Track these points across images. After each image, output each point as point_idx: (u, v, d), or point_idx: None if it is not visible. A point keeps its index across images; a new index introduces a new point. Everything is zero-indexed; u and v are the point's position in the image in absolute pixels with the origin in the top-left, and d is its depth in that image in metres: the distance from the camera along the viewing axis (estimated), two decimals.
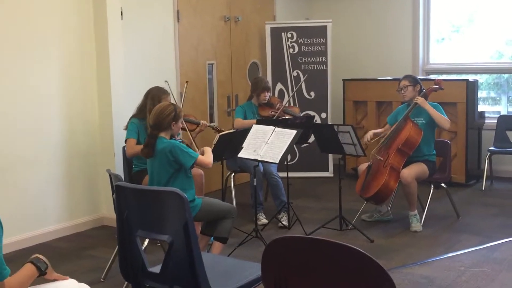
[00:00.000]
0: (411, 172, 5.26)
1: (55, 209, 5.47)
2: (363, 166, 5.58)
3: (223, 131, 5.32)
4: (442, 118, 5.33)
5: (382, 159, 5.34)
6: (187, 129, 5.11)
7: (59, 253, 5.02)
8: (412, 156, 5.35)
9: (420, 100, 5.33)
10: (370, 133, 5.61)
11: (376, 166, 5.37)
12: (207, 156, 4.18)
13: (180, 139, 4.84)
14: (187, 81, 5.95)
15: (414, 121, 5.37)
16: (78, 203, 5.65)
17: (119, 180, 3.95)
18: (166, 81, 5.58)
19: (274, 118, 5.86)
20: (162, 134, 4.07)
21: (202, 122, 5.47)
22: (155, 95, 4.99)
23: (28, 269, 2.48)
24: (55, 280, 2.65)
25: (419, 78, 5.93)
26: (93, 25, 5.64)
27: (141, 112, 5.02)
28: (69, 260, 4.83)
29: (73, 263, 4.76)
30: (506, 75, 7.74)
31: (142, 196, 3.02)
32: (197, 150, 4.65)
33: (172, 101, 5.13)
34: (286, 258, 2.13)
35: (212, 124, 5.79)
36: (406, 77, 5.58)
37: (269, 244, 2.14)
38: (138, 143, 4.93)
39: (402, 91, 5.50)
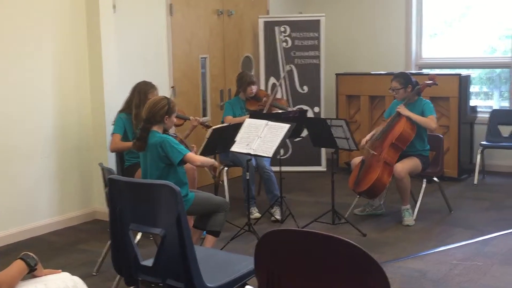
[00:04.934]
0: (404, 166, 5.27)
1: (48, 203, 5.45)
2: (356, 160, 5.58)
3: (210, 126, 5.34)
4: (425, 121, 5.31)
5: (376, 153, 5.34)
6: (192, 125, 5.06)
7: (51, 247, 5.01)
8: (406, 151, 5.36)
9: (400, 109, 5.34)
10: (367, 137, 5.54)
11: (369, 161, 5.37)
12: (200, 156, 4.17)
13: (174, 134, 4.83)
14: (172, 87, 5.89)
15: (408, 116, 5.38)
16: (70, 197, 5.64)
17: (112, 174, 3.94)
18: (172, 87, 5.38)
19: (263, 112, 5.87)
20: (155, 128, 4.05)
21: (194, 118, 5.39)
22: (141, 89, 4.99)
23: (18, 265, 2.47)
24: (47, 275, 2.63)
25: (412, 73, 5.95)
26: (86, 18, 5.61)
27: (129, 107, 5.02)
28: (61, 254, 4.83)
29: (66, 257, 4.75)
30: (498, 70, 7.75)
31: (134, 189, 3.02)
32: (192, 144, 4.64)
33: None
34: (279, 251, 2.13)
35: (203, 120, 5.72)
36: (398, 78, 5.53)
37: (262, 237, 2.14)
38: (125, 138, 4.95)
39: (394, 93, 5.50)
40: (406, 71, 6.48)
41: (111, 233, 3.07)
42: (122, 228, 2.98)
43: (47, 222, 5.43)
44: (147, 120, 4.05)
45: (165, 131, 4.15)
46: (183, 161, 4.02)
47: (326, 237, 2.00)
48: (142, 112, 4.25)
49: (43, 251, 4.79)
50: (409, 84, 5.46)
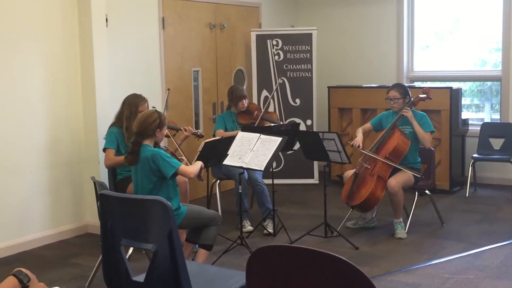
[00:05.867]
0: (398, 181, 5.27)
1: (39, 217, 5.43)
2: (348, 173, 5.58)
3: (203, 136, 5.35)
4: (425, 136, 5.36)
5: (369, 167, 5.35)
6: (170, 136, 5.09)
7: (43, 261, 4.98)
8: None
9: (409, 114, 5.36)
10: (359, 140, 5.50)
11: (363, 174, 5.38)
12: (192, 167, 4.17)
13: (165, 146, 4.83)
14: (168, 89, 5.91)
15: (401, 130, 5.40)
16: (62, 210, 5.61)
17: (104, 188, 3.94)
18: (153, 107, 5.31)
19: (255, 125, 5.88)
20: (147, 142, 4.06)
21: (187, 127, 5.38)
22: (132, 102, 4.98)
23: (10, 282, 2.45)
24: None
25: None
26: (78, 32, 5.61)
27: (119, 120, 5.01)
28: (53, 268, 4.80)
29: (57, 271, 4.72)
30: (489, 83, 7.80)
31: (126, 204, 3.01)
32: (183, 156, 4.64)
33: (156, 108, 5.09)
34: (270, 267, 2.13)
35: (196, 131, 5.73)
36: (397, 88, 5.56)
37: (254, 253, 2.14)
38: (117, 151, 4.93)
39: (392, 102, 5.51)
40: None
41: (103, 248, 3.06)
42: (113, 244, 2.97)
43: (39, 236, 5.40)
44: (139, 133, 4.05)
45: (156, 144, 4.16)
46: (175, 175, 4.02)
47: (318, 253, 1.99)
48: (133, 125, 4.25)
49: (35, 265, 4.76)
50: (407, 95, 5.50)
